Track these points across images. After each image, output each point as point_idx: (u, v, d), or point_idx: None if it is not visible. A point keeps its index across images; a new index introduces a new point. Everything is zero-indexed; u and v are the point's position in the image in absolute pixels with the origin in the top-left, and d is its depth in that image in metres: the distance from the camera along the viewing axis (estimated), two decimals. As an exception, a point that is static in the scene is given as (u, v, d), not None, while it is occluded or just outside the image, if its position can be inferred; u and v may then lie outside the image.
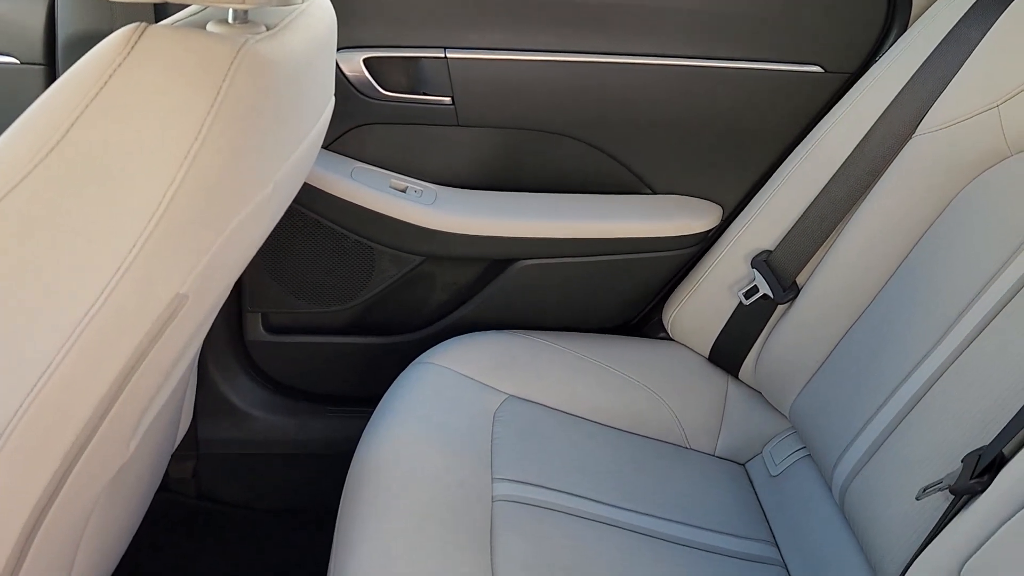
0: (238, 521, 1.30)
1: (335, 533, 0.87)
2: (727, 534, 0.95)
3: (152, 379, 0.67)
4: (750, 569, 0.91)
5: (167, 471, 1.25)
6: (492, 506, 0.88)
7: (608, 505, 0.93)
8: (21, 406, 0.57)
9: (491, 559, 0.82)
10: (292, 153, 0.75)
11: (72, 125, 0.57)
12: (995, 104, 0.90)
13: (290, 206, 1.12)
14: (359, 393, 1.26)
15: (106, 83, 0.58)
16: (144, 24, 0.61)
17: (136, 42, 0.59)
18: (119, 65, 0.58)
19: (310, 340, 1.24)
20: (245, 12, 0.68)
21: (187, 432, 1.24)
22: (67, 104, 0.58)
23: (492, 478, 0.92)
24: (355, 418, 1.20)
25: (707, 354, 1.16)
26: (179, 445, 1.24)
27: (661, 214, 1.17)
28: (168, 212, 0.58)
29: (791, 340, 1.06)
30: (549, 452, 0.98)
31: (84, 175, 0.57)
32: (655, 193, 1.19)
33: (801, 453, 1.03)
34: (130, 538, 0.97)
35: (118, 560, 0.93)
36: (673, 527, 0.93)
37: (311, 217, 1.14)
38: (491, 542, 0.84)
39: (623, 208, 1.16)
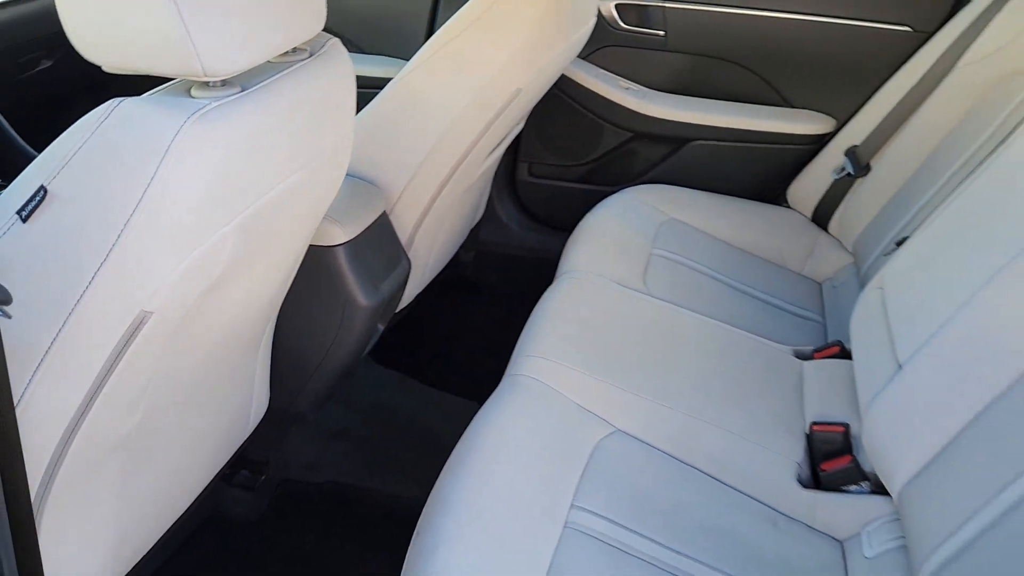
0: (491, 295, 2.04)
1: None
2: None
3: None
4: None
5: (460, 250, 2.01)
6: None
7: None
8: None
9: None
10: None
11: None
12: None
13: (553, 93, 1.84)
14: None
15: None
16: None
17: None
18: None
19: (555, 184, 1.97)
20: None
21: (475, 233, 2.00)
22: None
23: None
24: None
25: (810, 215, 1.76)
26: (469, 239, 2.00)
27: (792, 119, 1.79)
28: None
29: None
30: (699, 278, 1.63)
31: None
32: (792, 107, 1.81)
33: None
34: (455, 250, 1.73)
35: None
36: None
37: (567, 102, 1.86)
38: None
39: (767, 112, 1.80)
